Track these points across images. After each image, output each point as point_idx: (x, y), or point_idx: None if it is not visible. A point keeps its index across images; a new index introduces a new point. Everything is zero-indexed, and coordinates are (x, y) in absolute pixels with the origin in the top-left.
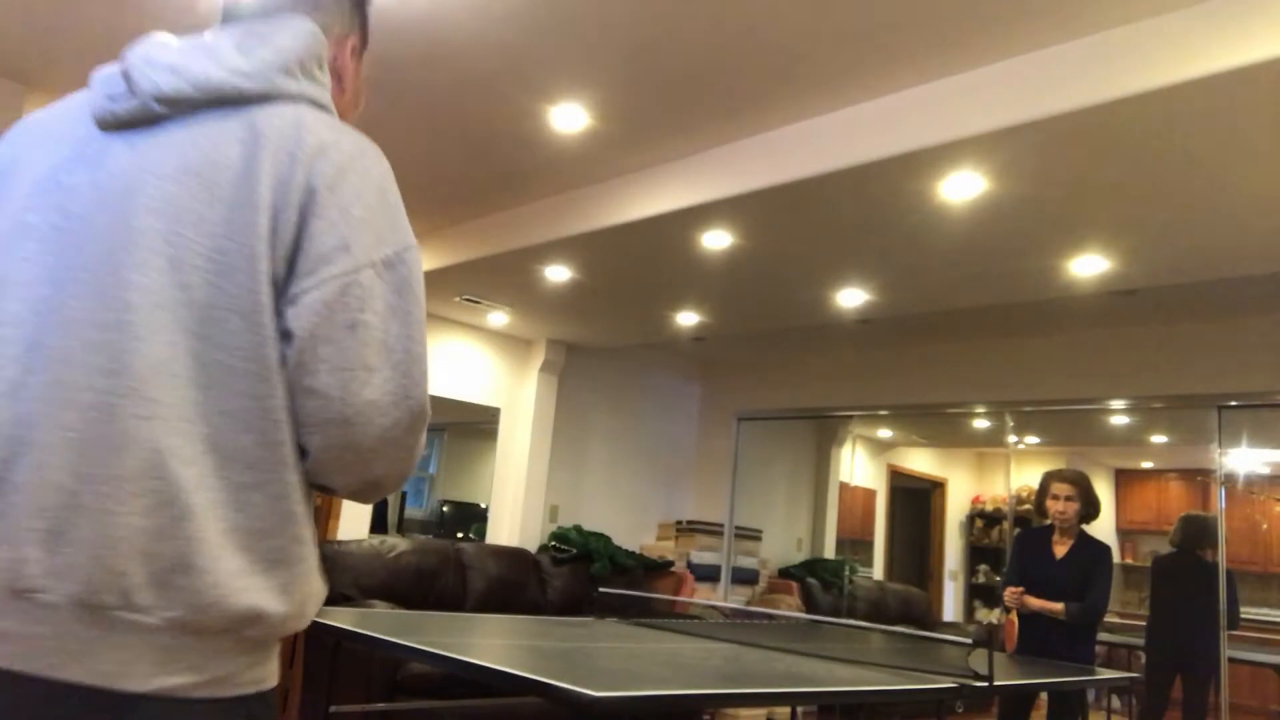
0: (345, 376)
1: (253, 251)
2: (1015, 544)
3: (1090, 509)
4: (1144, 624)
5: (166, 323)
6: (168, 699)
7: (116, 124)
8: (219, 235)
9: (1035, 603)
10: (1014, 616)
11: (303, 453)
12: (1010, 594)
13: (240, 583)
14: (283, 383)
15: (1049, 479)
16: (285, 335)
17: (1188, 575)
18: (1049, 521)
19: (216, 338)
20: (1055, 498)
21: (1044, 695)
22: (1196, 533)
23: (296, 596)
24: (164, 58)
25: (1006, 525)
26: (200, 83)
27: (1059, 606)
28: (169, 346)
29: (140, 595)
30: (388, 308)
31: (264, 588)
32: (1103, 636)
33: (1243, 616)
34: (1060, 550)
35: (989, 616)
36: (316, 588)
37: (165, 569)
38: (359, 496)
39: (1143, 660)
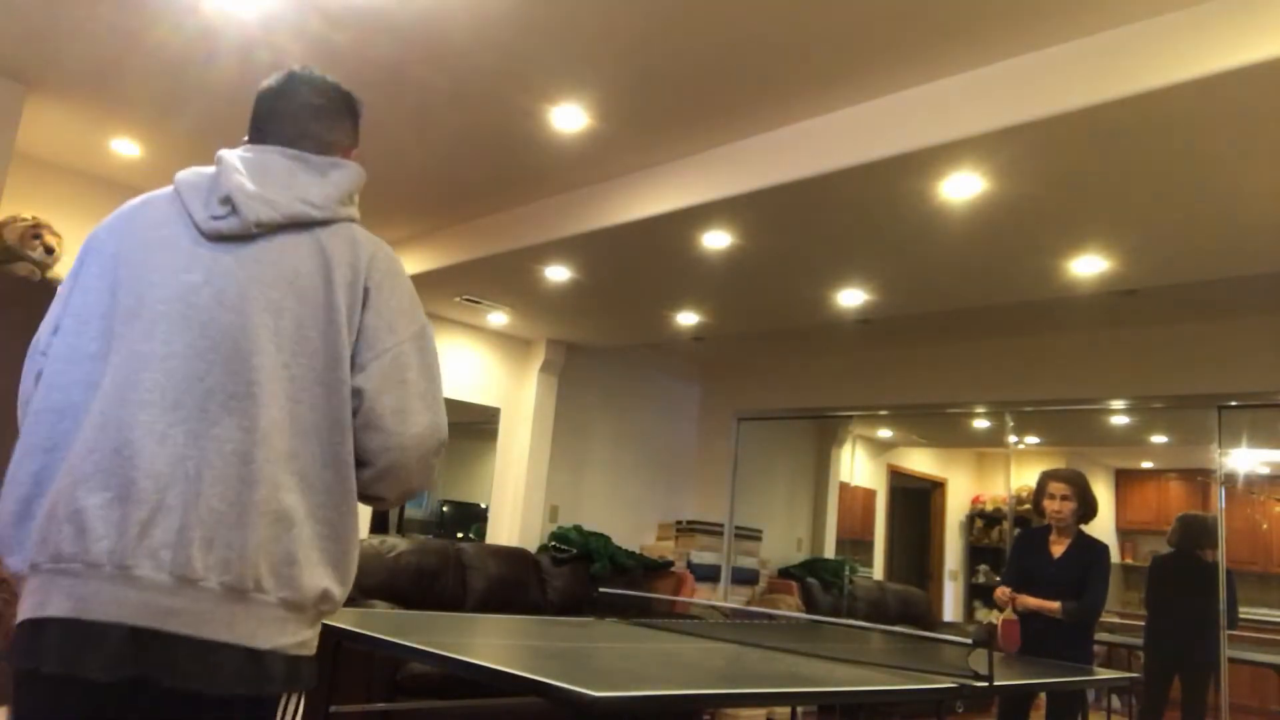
0: (400, 417)
1: (334, 340)
2: (1014, 544)
3: (1087, 509)
4: (1144, 624)
5: (277, 393)
6: (281, 654)
7: (218, 237)
8: (307, 327)
9: (1033, 602)
10: (1012, 615)
11: (359, 473)
12: (1000, 594)
13: (321, 572)
14: (350, 433)
15: (1046, 478)
16: (356, 392)
17: (1186, 575)
18: (1047, 521)
19: (307, 402)
20: (1052, 497)
21: (1043, 695)
22: (1194, 533)
23: (348, 583)
24: (257, 189)
25: (1006, 525)
26: (287, 214)
27: (1056, 605)
28: (280, 410)
29: (265, 582)
30: (421, 367)
31: (332, 578)
32: (1103, 636)
33: (1242, 616)
34: (1058, 550)
35: (989, 616)
36: (354, 578)
37: (279, 564)
38: (396, 503)
39: (1142, 660)
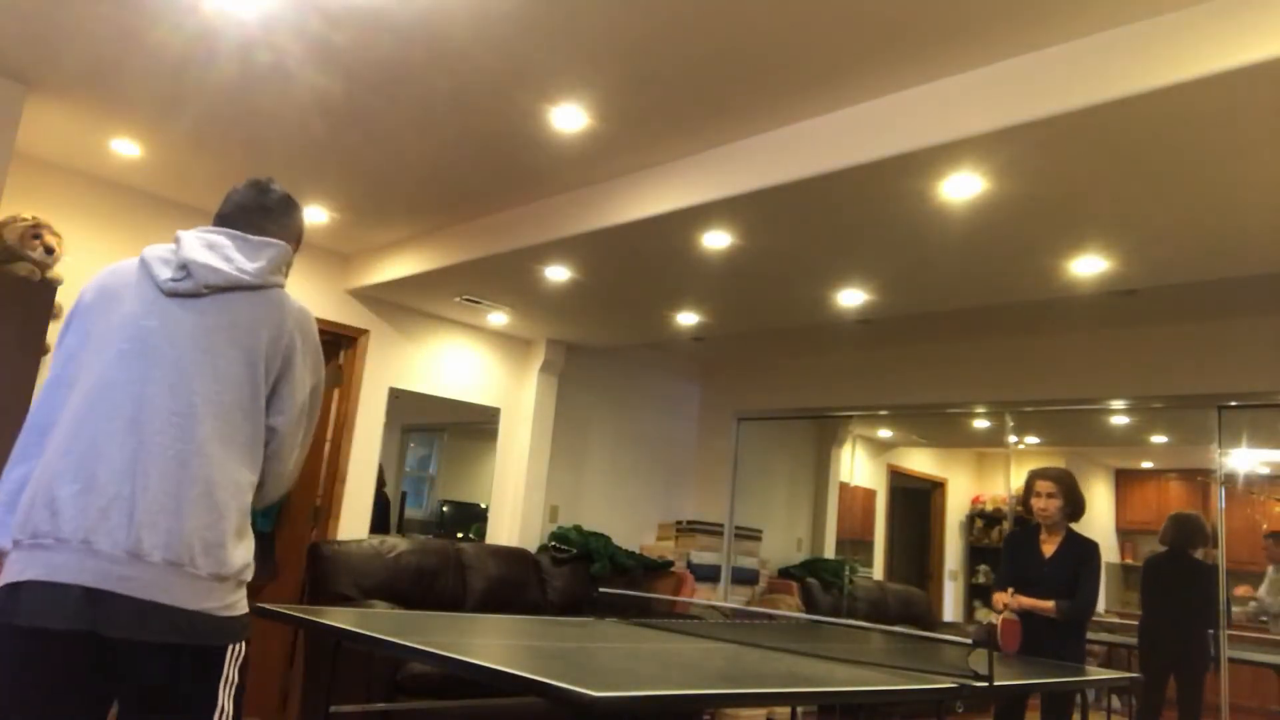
0: (291, 453)
1: (255, 378)
2: (1005, 544)
3: (1074, 507)
4: (1138, 624)
5: (210, 414)
6: (207, 614)
7: (174, 294)
8: (238, 365)
9: (1027, 601)
10: (1012, 615)
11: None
12: (999, 598)
13: (240, 551)
14: (261, 450)
15: (1032, 477)
16: (269, 427)
17: (1178, 574)
18: (1036, 520)
19: (233, 424)
20: (1038, 495)
21: (1039, 693)
22: (1186, 531)
23: (250, 557)
24: (208, 261)
25: (1007, 525)
26: (229, 279)
27: (1050, 604)
28: (212, 427)
29: (198, 560)
30: (311, 417)
31: (247, 554)
32: (1103, 636)
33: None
34: (1049, 549)
35: (989, 617)
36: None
37: (210, 546)
38: (261, 505)
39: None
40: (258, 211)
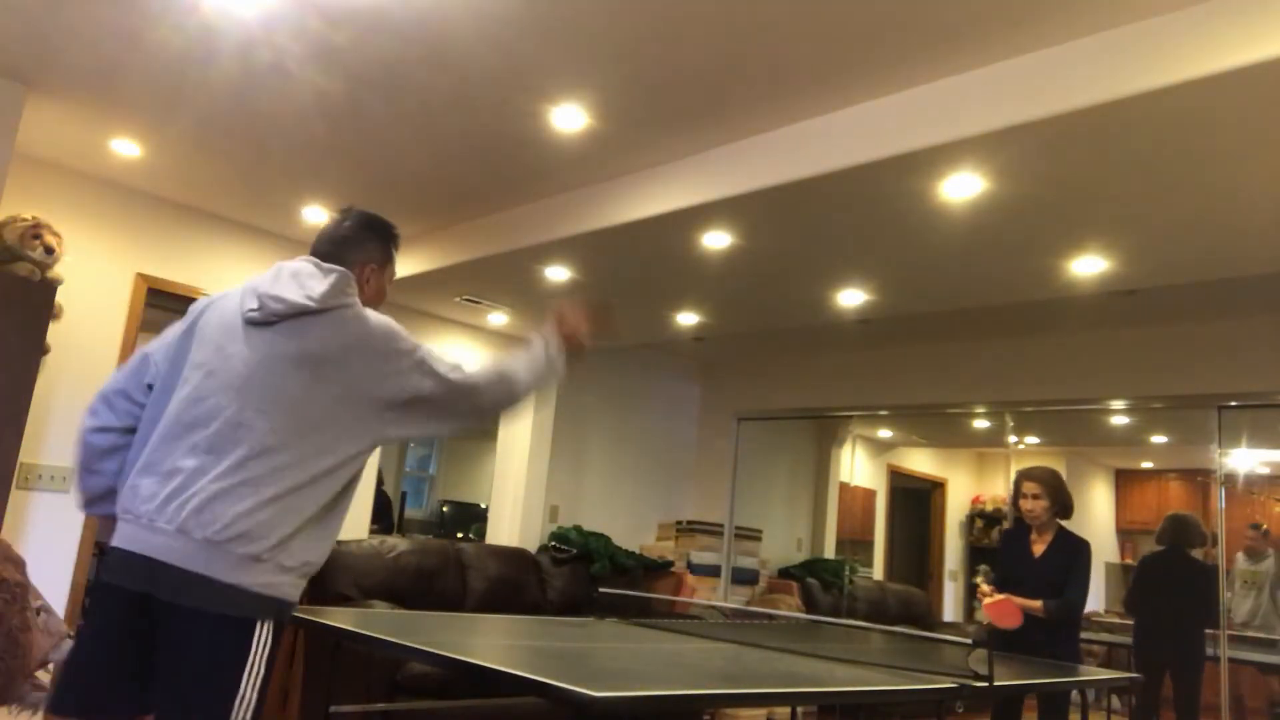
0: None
1: (311, 395)
2: (999, 544)
3: (1061, 506)
4: (1133, 623)
5: (268, 428)
6: (240, 588)
7: (252, 323)
8: (294, 386)
9: (1017, 601)
10: (997, 595)
11: None
12: (981, 590)
13: (273, 540)
14: (318, 459)
15: (1019, 478)
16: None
17: (1175, 574)
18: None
19: (286, 436)
20: (1024, 496)
21: (1035, 694)
22: (1183, 531)
23: (294, 552)
24: (275, 291)
25: (1006, 525)
26: (295, 307)
27: (1038, 604)
28: (269, 438)
29: (233, 542)
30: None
31: (283, 547)
32: (1103, 637)
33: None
34: (1039, 548)
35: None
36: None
37: (251, 531)
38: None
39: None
40: (331, 239)
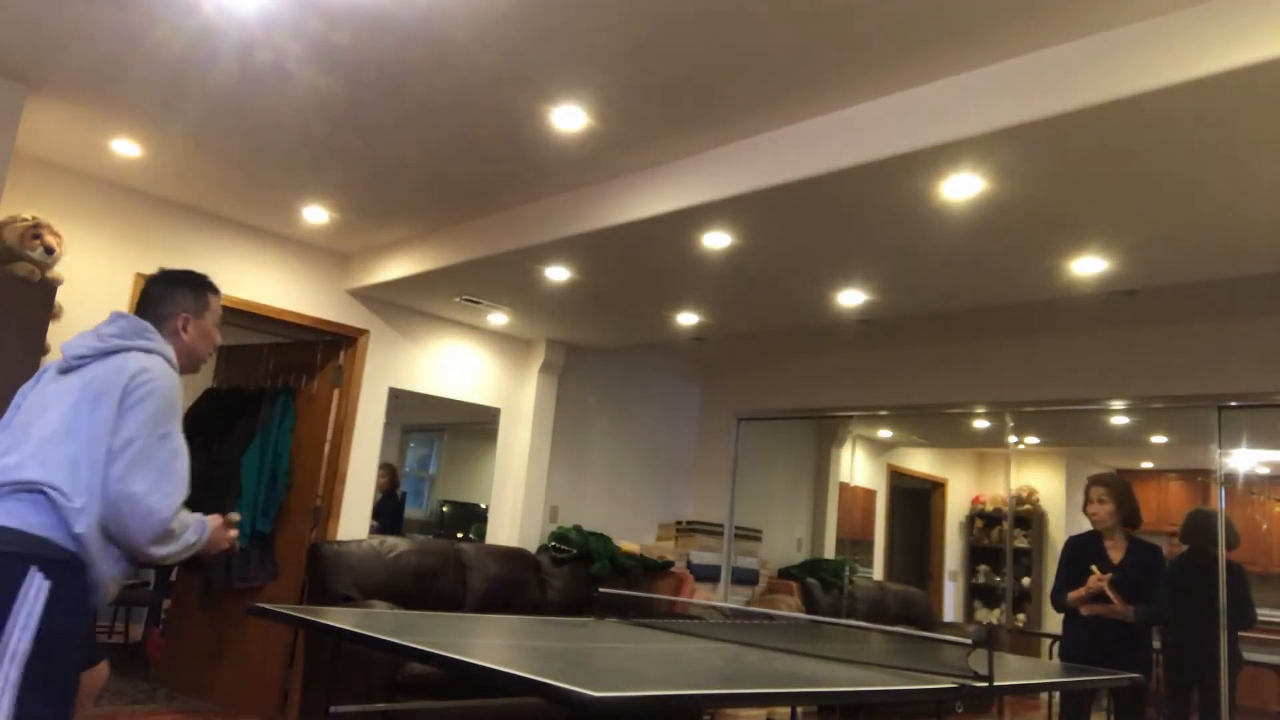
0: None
1: (106, 423)
2: (1065, 550)
3: (1128, 513)
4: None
5: (74, 444)
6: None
7: (61, 371)
8: (101, 419)
9: (1116, 602)
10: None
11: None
12: (1094, 578)
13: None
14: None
15: (1088, 483)
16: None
17: (1202, 577)
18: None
19: (94, 459)
20: (1091, 500)
21: (1106, 693)
22: (1208, 527)
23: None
24: (78, 343)
25: (1007, 525)
26: (89, 350)
27: (1130, 609)
28: (74, 451)
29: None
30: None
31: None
32: None
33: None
34: (1116, 554)
35: (989, 616)
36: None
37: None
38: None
39: (1159, 668)
40: (145, 300)
